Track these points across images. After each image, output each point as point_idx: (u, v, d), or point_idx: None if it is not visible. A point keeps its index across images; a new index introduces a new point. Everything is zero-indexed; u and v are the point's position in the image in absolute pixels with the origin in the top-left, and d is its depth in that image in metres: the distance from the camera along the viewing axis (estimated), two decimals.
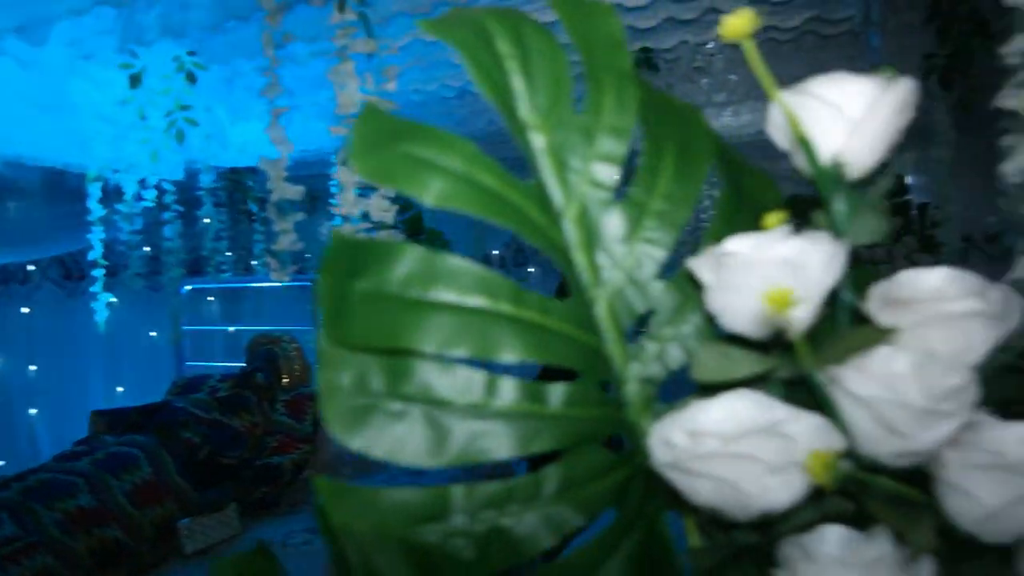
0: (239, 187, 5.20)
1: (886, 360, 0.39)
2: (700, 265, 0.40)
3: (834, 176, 0.41)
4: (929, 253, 3.76)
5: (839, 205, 0.42)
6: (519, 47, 0.43)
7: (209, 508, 3.31)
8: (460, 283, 0.39)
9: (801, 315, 0.38)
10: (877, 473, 0.39)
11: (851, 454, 0.38)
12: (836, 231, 0.42)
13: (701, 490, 0.37)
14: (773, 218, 0.42)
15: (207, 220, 4.50)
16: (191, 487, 3.33)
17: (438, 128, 0.40)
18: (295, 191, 1.75)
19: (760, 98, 3.68)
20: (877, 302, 0.42)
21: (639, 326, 0.45)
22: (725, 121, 4.14)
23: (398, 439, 0.38)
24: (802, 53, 3.20)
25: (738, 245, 0.40)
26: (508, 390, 0.40)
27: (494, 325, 0.39)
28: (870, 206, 0.42)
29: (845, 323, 0.43)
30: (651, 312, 0.44)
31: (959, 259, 3.65)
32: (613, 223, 0.44)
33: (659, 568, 0.42)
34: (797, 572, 0.37)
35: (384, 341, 0.38)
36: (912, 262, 3.73)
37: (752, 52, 0.38)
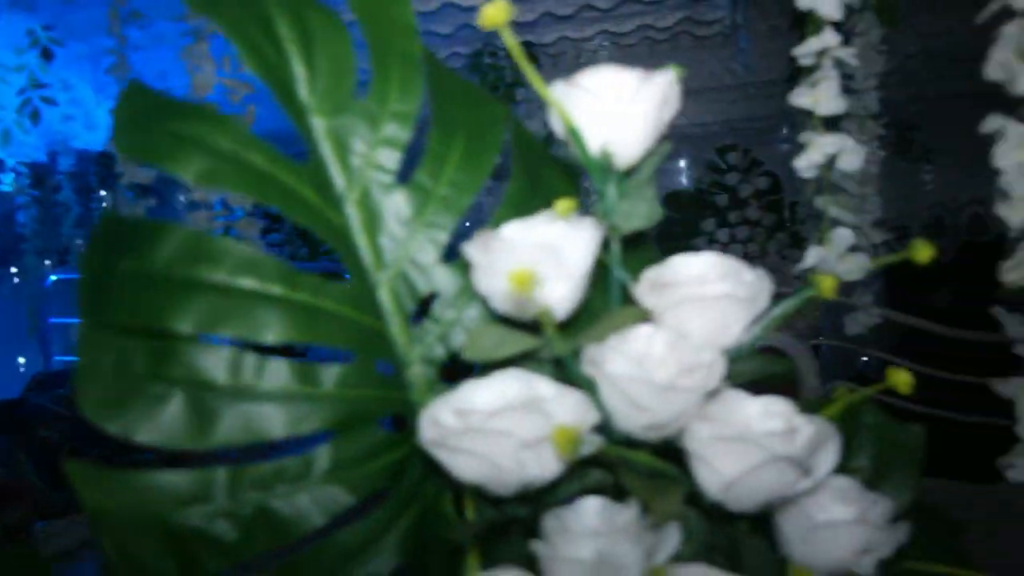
0: (112, 171, 4.93)
1: (639, 339, 0.41)
2: (471, 249, 0.41)
3: (603, 165, 0.43)
4: (800, 248, 3.94)
5: (610, 192, 0.44)
6: (301, 30, 0.43)
7: (70, 509, 3.14)
8: (228, 264, 0.39)
9: (559, 296, 0.40)
10: (637, 448, 0.41)
11: (606, 429, 0.40)
12: (607, 217, 0.44)
13: (464, 466, 0.38)
14: (563, 205, 0.43)
15: (68, 206, 4.25)
16: (49, 487, 3.15)
17: (207, 107, 0.40)
18: (146, 175, 1.67)
19: None
20: (647, 285, 0.44)
21: (423, 308, 0.45)
22: None
23: (160, 422, 0.37)
24: (679, 52, 3.31)
25: (508, 230, 0.41)
26: (279, 371, 0.40)
27: (262, 306, 0.39)
28: (640, 193, 0.44)
29: (616, 304, 0.45)
30: (434, 295, 0.45)
31: None
32: (396, 207, 0.44)
33: (435, 545, 0.43)
34: (554, 543, 0.38)
35: (146, 321, 0.38)
36: (783, 257, 3.93)
37: (511, 42, 0.39)
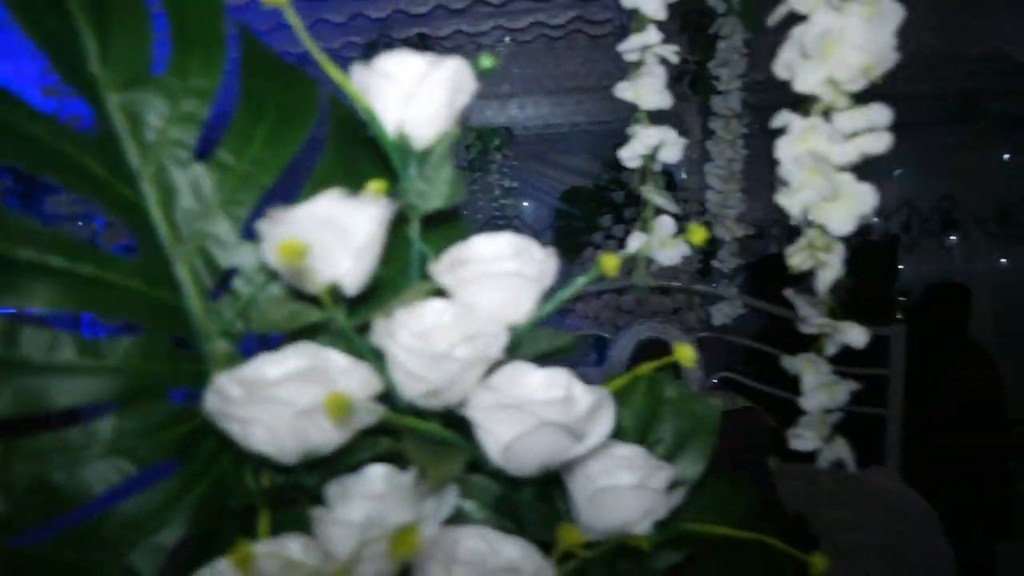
0: None
1: (429, 312, 0.43)
2: (264, 225, 0.42)
3: (401, 145, 0.45)
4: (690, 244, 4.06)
5: (409, 172, 0.46)
6: (93, 2, 0.43)
7: None
8: (3, 235, 0.38)
9: (344, 270, 0.41)
10: (428, 417, 0.43)
11: (394, 398, 0.42)
12: (406, 196, 0.46)
13: (247, 435, 0.39)
14: (374, 186, 0.45)
15: None
16: None
17: None
18: None
19: (545, 92, 3.80)
20: (447, 262, 0.46)
21: (224, 283, 0.46)
22: (511, 113, 4.25)
23: None
24: (575, 51, 3.37)
25: (300, 208, 0.42)
26: (60, 343, 0.40)
27: (39, 277, 0.39)
28: (438, 174, 0.46)
29: (416, 280, 0.47)
30: (234, 270, 0.46)
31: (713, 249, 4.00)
32: (194, 183, 0.45)
33: (229, 515, 0.43)
34: (335, 509, 0.40)
35: None
36: None
37: (294, 19, 0.40)
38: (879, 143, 0.50)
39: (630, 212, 4.20)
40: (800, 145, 0.52)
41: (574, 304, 3.92)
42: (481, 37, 3.05)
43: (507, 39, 3.22)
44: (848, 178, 0.51)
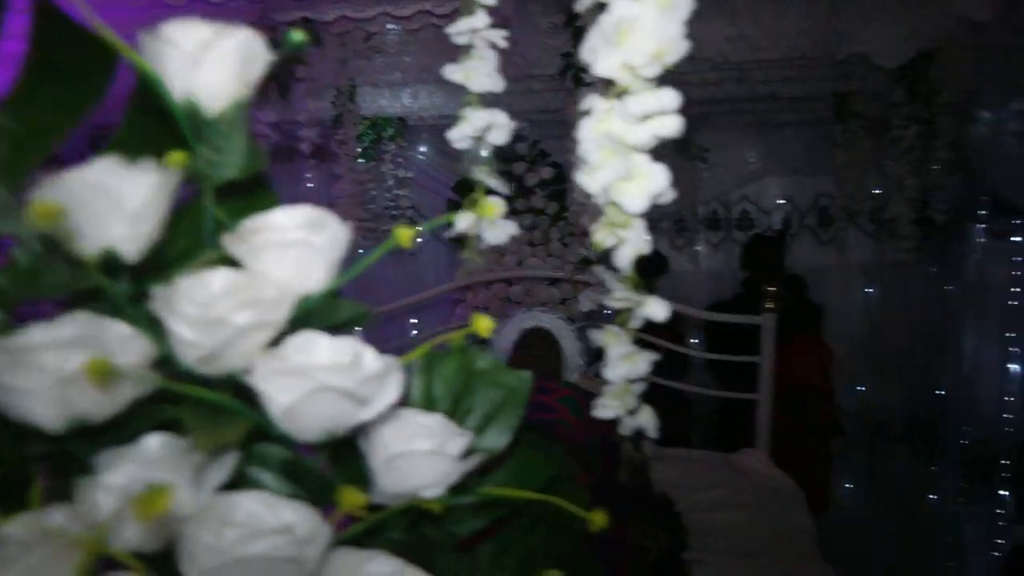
0: None
1: (210, 280, 0.43)
2: (35, 192, 0.41)
3: (189, 112, 0.45)
4: (574, 235, 4.12)
5: (199, 141, 0.45)
6: None
7: None
8: None
9: (118, 236, 0.41)
10: (218, 386, 0.43)
11: (174, 364, 0.42)
12: (199, 165, 0.46)
13: (9, 403, 0.38)
14: (173, 157, 0.44)
15: None
16: None
17: None
18: None
19: (438, 81, 3.79)
20: (243, 232, 0.46)
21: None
22: (405, 103, 4.21)
23: None
24: None
25: (70, 173, 0.41)
26: None
27: None
28: (231, 144, 0.46)
29: (209, 249, 0.46)
30: (12, 237, 0.45)
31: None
32: None
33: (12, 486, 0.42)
34: (105, 477, 0.40)
35: None
36: (565, 245, 4.11)
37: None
38: (670, 126, 0.53)
39: (520, 203, 4.24)
40: (599, 126, 0.55)
41: (464, 293, 3.94)
42: (367, 24, 3.01)
43: (396, 26, 3.19)
44: (643, 158, 0.54)
